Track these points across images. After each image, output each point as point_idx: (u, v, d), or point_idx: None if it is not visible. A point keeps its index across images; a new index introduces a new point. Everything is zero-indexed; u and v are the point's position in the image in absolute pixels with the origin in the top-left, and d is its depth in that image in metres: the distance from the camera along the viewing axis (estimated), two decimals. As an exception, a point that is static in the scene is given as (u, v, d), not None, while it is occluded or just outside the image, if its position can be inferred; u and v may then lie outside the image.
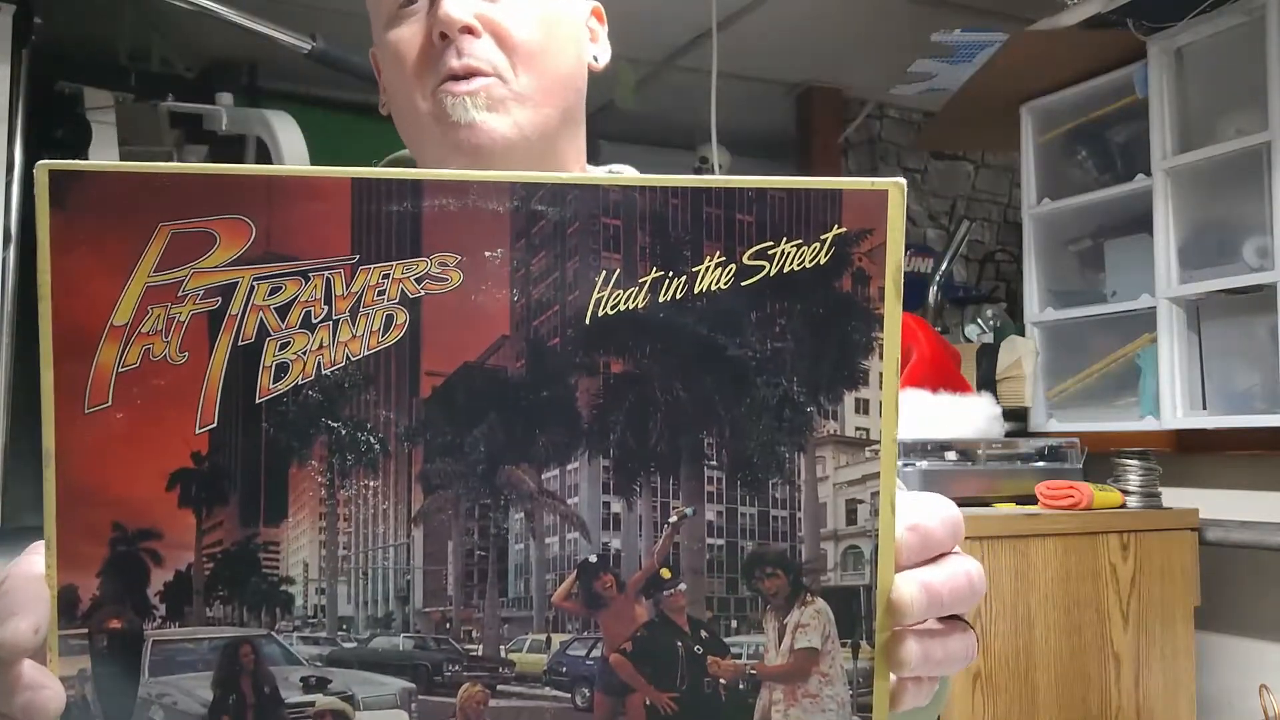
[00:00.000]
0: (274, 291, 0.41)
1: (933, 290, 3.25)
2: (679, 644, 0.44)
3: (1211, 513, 2.33)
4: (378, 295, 0.41)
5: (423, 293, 0.41)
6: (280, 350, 0.42)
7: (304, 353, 0.41)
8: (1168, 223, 2.41)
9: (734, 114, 3.07)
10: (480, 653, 0.42)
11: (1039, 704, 2.07)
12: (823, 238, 0.43)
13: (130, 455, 0.42)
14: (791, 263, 0.43)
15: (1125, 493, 2.31)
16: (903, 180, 0.43)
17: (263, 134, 2.36)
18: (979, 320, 3.19)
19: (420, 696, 0.42)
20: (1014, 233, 3.50)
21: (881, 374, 0.43)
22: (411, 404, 0.41)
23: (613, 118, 3.41)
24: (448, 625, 0.42)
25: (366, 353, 0.42)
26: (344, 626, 0.42)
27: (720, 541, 0.44)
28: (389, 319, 0.41)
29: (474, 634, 0.42)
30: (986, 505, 2.22)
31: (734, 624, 0.44)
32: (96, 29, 2.64)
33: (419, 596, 0.42)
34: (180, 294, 0.41)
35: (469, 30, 0.81)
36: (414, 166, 0.86)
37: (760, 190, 0.43)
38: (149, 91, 2.51)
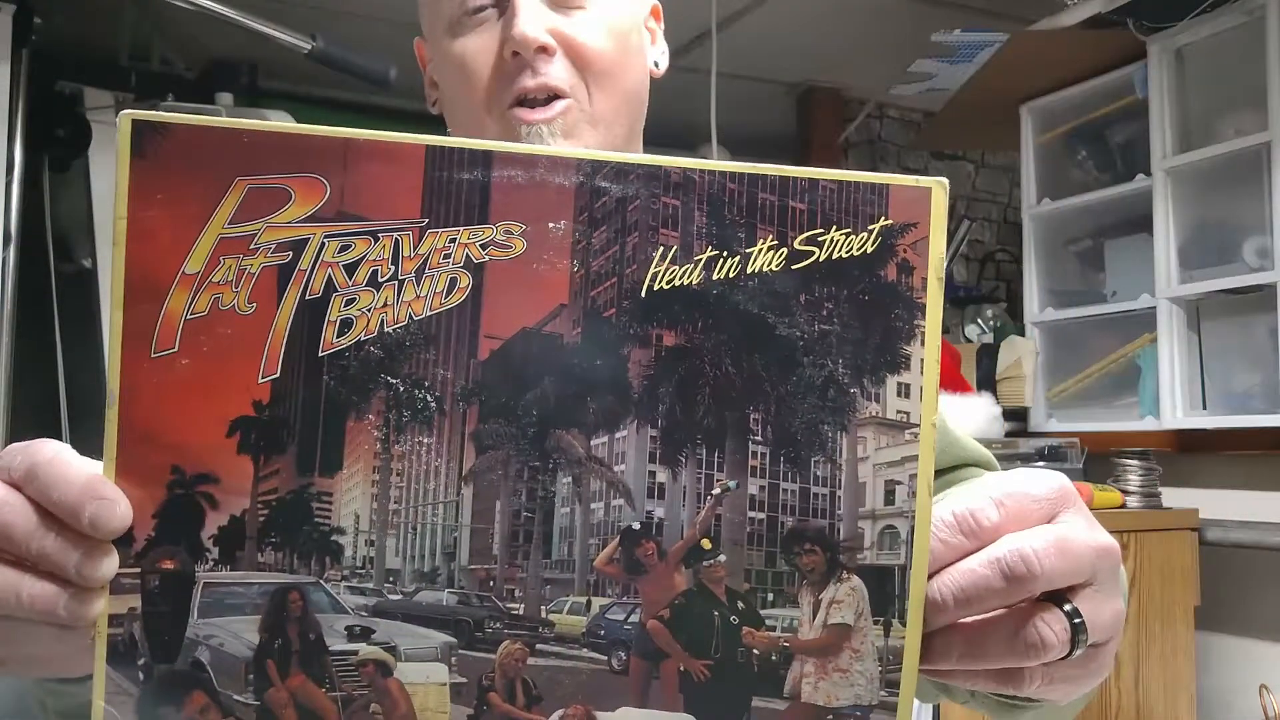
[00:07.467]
0: (343, 249, 0.42)
1: (933, 290, 3.25)
2: (715, 614, 0.45)
3: (1211, 513, 2.33)
4: (443, 259, 0.42)
5: (487, 258, 0.42)
6: (346, 306, 0.42)
7: (368, 310, 0.42)
8: (1168, 223, 2.41)
9: (734, 114, 3.06)
10: (521, 612, 0.43)
11: (1039, 704, 2.07)
12: (870, 228, 0.44)
13: (193, 401, 0.42)
14: (840, 250, 0.44)
15: (1125, 493, 2.31)
16: (945, 180, 0.45)
17: (263, 134, 2.36)
18: (979, 320, 3.19)
19: (461, 651, 0.43)
20: (1014, 233, 3.49)
21: (923, 360, 0.45)
22: (469, 365, 0.42)
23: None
24: (491, 583, 0.43)
25: (429, 313, 0.42)
26: (390, 579, 0.42)
27: (761, 515, 0.45)
28: (452, 282, 0.42)
29: (516, 593, 0.43)
30: (986, 505, 2.22)
31: (770, 597, 0.45)
32: (96, 29, 2.64)
33: (465, 553, 0.43)
34: (252, 247, 0.42)
35: (545, 49, 0.77)
36: None
37: (813, 180, 0.45)
38: (149, 91, 2.51)
